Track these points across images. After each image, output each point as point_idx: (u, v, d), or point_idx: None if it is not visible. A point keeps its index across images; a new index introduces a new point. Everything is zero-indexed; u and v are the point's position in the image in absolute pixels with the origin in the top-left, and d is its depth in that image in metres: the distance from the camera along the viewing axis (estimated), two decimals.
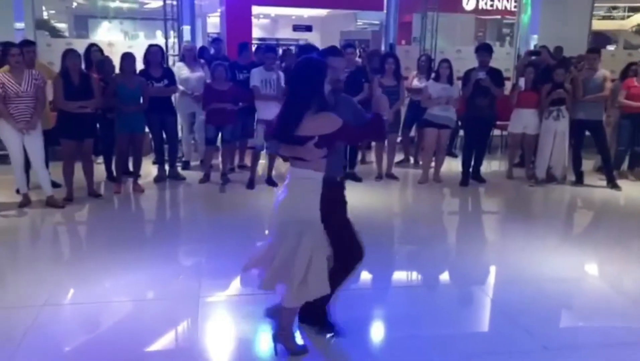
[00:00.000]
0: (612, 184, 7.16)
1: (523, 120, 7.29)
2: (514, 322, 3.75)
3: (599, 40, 20.13)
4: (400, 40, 13.12)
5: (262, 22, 20.26)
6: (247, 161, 7.52)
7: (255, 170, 7.00)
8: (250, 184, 6.89)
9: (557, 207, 6.97)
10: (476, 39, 15.14)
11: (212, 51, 8.38)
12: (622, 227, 6.01)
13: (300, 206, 2.95)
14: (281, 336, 3.22)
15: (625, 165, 7.80)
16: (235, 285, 4.25)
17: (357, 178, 7.32)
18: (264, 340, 3.41)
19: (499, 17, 18.12)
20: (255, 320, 3.63)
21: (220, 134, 7.00)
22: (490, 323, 3.90)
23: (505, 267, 4.79)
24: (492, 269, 4.80)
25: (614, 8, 19.75)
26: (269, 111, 6.78)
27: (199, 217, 6.22)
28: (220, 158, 7.28)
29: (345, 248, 3.26)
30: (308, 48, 7.64)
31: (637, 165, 7.86)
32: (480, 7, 16.49)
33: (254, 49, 8.38)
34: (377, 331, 3.72)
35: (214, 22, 16.37)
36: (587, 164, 7.72)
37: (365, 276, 4.66)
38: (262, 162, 7.24)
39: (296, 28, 20.79)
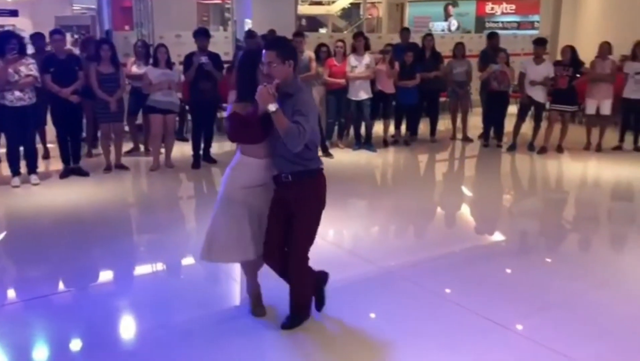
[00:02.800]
0: (326, 153, 8.06)
1: None
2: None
3: (312, 23, 22.12)
4: (123, 26, 12.62)
5: None
6: None
7: None
8: None
9: None
10: (200, 23, 15.34)
11: None
12: (339, 190, 6.81)
13: (227, 182, 3.36)
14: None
15: (335, 135, 8.82)
16: None
17: (83, 173, 6.94)
18: None
19: (220, 1, 18.63)
20: None
21: None
22: (237, 297, 4.11)
23: None
24: None
25: None
26: None
27: None
28: None
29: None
30: (8, 35, 6.93)
31: (346, 133, 8.98)
32: None
33: None
34: (127, 326, 3.68)
35: None
36: None
37: (106, 273, 4.53)
38: None
39: None
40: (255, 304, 3.62)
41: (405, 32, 9.77)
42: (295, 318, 3.48)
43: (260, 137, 3.24)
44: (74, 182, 6.79)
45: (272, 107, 3.03)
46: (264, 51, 3.17)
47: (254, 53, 3.36)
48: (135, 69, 7.72)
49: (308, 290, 3.51)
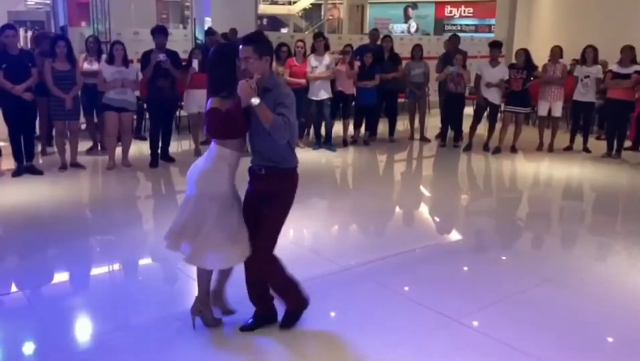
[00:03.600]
0: None
1: (197, 100, 7.49)
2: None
3: (273, 23, 22.10)
4: (79, 22, 12.37)
5: None
6: None
7: None
8: None
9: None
10: (159, 21, 15.15)
11: None
12: (299, 189, 6.74)
13: (211, 180, 3.20)
14: (197, 306, 3.37)
15: None
16: None
17: (37, 172, 6.77)
18: None
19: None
20: None
21: None
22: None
23: None
24: None
25: None
26: None
27: None
28: None
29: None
30: None
31: (306, 133, 9.04)
32: None
33: None
34: (84, 328, 3.61)
35: None
36: None
37: (61, 274, 4.44)
38: None
39: None
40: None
41: (374, 32, 9.88)
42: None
43: (242, 132, 3.20)
44: (28, 180, 6.62)
45: (255, 101, 2.98)
46: (240, 47, 3.13)
47: (226, 48, 3.36)
48: (87, 65, 7.57)
49: (284, 284, 3.42)
